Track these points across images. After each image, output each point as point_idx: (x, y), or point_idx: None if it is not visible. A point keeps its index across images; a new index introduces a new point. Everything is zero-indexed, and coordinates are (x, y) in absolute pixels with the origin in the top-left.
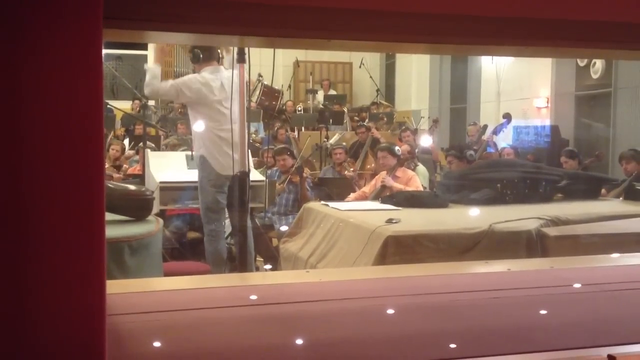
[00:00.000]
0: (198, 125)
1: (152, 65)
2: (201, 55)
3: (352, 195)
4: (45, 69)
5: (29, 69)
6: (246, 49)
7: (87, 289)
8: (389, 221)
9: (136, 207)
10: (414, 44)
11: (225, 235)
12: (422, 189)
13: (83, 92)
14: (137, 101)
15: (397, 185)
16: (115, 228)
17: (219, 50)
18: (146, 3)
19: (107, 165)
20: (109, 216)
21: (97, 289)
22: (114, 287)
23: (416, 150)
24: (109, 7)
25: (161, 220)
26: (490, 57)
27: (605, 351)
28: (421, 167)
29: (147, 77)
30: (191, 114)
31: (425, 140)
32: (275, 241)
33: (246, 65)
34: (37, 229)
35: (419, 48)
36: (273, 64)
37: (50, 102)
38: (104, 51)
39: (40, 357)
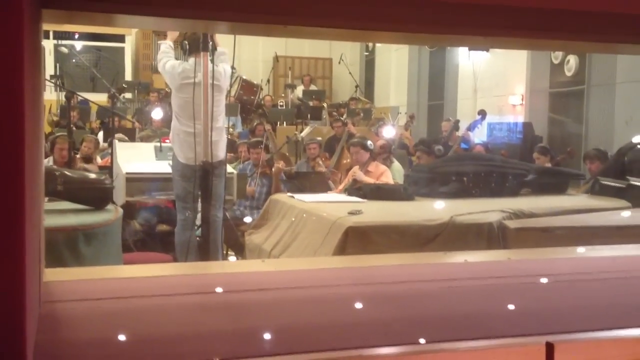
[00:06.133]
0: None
1: (163, 42)
2: (188, 47)
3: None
4: None
5: None
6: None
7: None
8: (352, 212)
9: (94, 195)
10: (379, 32)
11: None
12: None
13: None
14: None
15: (368, 180)
16: (71, 216)
17: (210, 43)
18: None
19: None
20: (66, 204)
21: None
22: (59, 274)
23: (392, 147)
24: None
25: (120, 210)
26: (467, 54)
27: (545, 339)
28: (396, 164)
29: (158, 54)
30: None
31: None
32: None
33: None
34: None
35: (385, 37)
36: (233, 54)
37: None
38: (83, 43)
39: None
